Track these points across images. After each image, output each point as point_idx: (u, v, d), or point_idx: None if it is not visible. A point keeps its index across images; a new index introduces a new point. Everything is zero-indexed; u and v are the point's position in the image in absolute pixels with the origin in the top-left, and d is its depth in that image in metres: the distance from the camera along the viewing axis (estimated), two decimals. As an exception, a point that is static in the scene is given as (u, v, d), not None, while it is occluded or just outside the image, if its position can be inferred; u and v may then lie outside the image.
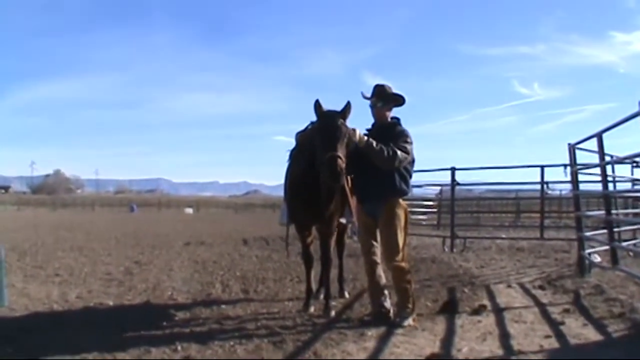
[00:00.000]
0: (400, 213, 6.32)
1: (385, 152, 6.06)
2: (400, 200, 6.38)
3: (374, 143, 6.07)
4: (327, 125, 6.01)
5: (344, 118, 6.09)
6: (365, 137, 6.10)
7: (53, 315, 6.84)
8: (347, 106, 6.17)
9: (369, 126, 6.59)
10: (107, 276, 9.93)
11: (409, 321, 6.07)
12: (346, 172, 5.96)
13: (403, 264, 6.26)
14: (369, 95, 6.51)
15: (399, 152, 6.10)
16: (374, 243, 6.44)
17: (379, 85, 6.52)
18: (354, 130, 6.08)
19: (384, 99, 6.46)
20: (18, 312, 6.89)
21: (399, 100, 6.54)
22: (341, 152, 5.84)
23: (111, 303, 7.54)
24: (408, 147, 6.26)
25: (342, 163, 5.77)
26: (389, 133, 6.33)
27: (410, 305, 6.22)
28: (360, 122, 6.51)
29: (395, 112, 6.61)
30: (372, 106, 6.51)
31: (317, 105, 6.16)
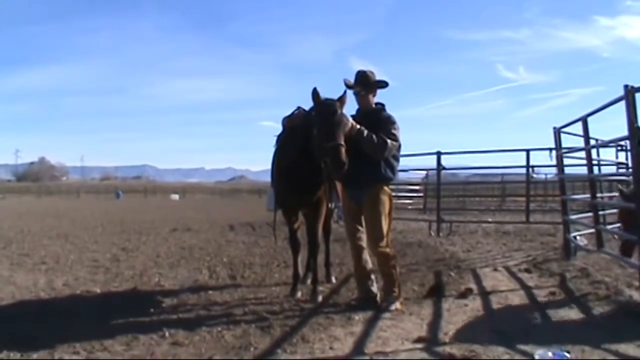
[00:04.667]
0: (385, 199, 6.33)
1: (376, 141, 6.08)
2: (385, 187, 6.38)
3: (365, 132, 6.08)
4: (328, 114, 6.00)
5: (342, 107, 6.11)
6: (357, 126, 6.09)
7: (40, 303, 6.80)
8: (344, 95, 6.22)
9: (354, 112, 6.57)
10: (93, 263, 9.89)
11: (396, 305, 6.10)
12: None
13: (387, 250, 6.29)
14: (351, 81, 6.47)
15: (389, 141, 6.13)
16: (359, 228, 6.45)
17: (361, 72, 6.47)
18: (347, 118, 6.09)
19: (367, 86, 6.44)
20: (4, 301, 6.85)
21: (382, 85, 6.53)
22: (343, 141, 5.85)
23: (98, 290, 7.51)
24: (397, 133, 6.28)
25: (344, 152, 5.79)
26: (375, 119, 6.33)
27: (396, 290, 6.26)
28: (352, 104, 6.49)
29: (381, 95, 6.61)
30: (356, 94, 6.49)
31: (315, 94, 6.17)
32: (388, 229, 6.36)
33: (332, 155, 5.79)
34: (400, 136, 6.35)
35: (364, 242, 6.44)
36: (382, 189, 6.33)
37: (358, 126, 6.08)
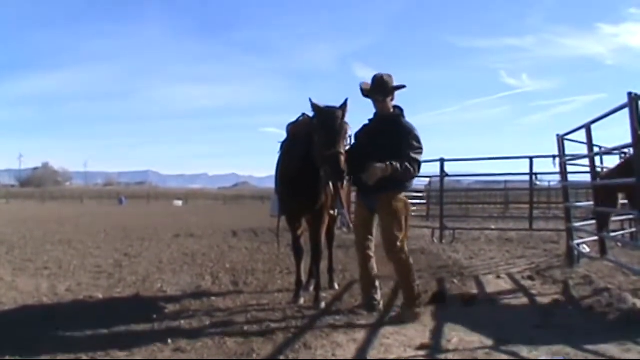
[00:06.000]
0: (400, 206, 6.19)
1: (412, 169, 6.03)
2: (400, 194, 6.25)
3: (398, 167, 5.92)
4: (329, 122, 6.03)
5: (343, 114, 6.11)
6: (390, 165, 5.92)
7: (43, 308, 6.81)
8: (346, 103, 6.20)
9: (371, 116, 6.46)
10: (96, 269, 9.89)
11: (410, 317, 6.00)
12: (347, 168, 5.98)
13: (402, 256, 6.16)
14: (368, 84, 6.31)
15: (420, 159, 6.09)
16: (369, 237, 6.40)
17: (378, 77, 6.29)
18: (385, 165, 5.90)
19: (385, 92, 6.27)
20: (7, 306, 6.85)
21: (399, 88, 6.37)
22: (343, 149, 5.87)
23: (101, 296, 7.50)
24: (422, 146, 6.17)
25: (344, 160, 5.80)
26: (393, 126, 6.22)
27: (414, 299, 6.14)
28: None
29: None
30: (374, 100, 6.35)
31: (313, 103, 6.22)
32: (404, 235, 6.24)
33: (332, 162, 5.82)
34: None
35: (372, 251, 6.41)
36: (397, 196, 6.21)
37: (389, 163, 5.91)
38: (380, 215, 6.28)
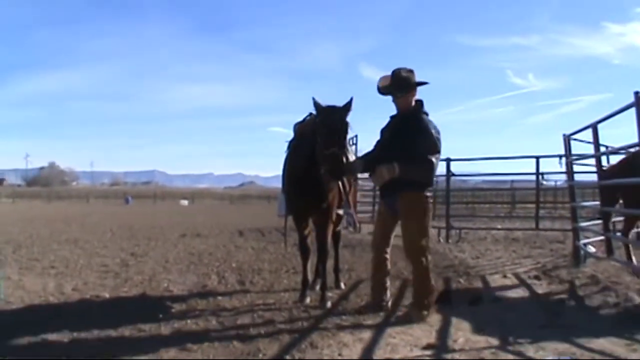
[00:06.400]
0: (419, 207, 6.05)
1: (423, 170, 5.93)
2: (422, 193, 6.06)
3: (407, 169, 5.85)
4: (330, 121, 6.04)
5: (346, 114, 6.10)
6: (397, 167, 5.85)
7: (49, 307, 6.82)
8: (350, 102, 6.17)
9: (393, 113, 6.33)
10: (102, 268, 9.90)
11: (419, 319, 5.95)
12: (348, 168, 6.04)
13: (420, 259, 6.08)
14: (388, 78, 6.13)
15: (434, 160, 5.93)
16: (387, 238, 6.39)
17: (395, 72, 6.12)
18: (392, 166, 5.86)
19: (403, 88, 6.10)
20: (14, 305, 6.86)
21: (420, 85, 6.20)
22: (343, 149, 5.88)
23: (107, 295, 7.52)
24: (439, 145, 6.02)
25: (343, 160, 5.81)
26: (413, 123, 6.04)
27: (425, 301, 6.09)
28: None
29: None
30: (393, 97, 6.20)
31: (315, 102, 6.22)
32: (424, 235, 6.13)
33: (330, 162, 5.86)
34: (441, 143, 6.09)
35: (387, 253, 6.39)
36: (417, 195, 6.04)
37: (396, 165, 5.83)
38: (400, 215, 6.19)
